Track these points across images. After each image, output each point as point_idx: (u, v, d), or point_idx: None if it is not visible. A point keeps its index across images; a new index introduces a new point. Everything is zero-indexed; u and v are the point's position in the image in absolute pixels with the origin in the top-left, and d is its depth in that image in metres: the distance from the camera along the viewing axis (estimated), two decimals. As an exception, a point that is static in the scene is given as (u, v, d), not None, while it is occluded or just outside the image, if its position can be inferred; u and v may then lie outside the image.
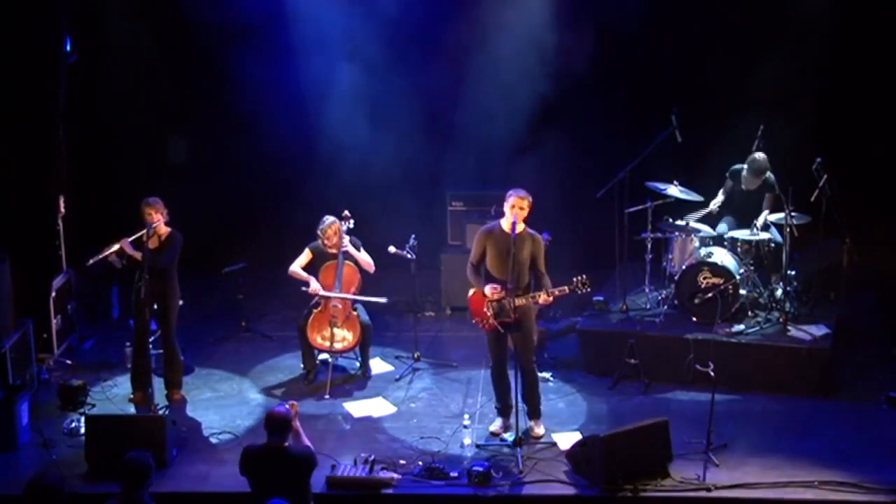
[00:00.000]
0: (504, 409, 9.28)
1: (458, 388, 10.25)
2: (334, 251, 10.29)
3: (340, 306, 10.24)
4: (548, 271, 9.05)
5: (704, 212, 10.82)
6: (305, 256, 10.35)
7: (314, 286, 10.21)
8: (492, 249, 8.98)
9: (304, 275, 10.28)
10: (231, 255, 11.82)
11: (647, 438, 8.58)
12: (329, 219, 10.27)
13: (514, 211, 8.89)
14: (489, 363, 9.39)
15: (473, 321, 9.24)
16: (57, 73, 10.49)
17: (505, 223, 8.95)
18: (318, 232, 10.25)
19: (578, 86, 12.07)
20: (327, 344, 10.25)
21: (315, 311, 10.29)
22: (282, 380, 10.49)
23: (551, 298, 8.88)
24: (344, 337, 10.28)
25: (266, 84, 12.37)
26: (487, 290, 8.91)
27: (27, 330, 10.16)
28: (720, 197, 10.89)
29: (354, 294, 10.30)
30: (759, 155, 10.55)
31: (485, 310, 8.99)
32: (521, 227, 8.95)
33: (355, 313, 10.32)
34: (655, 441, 8.60)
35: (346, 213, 10.35)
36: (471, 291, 9.17)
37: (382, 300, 10.40)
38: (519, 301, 8.87)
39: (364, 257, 10.33)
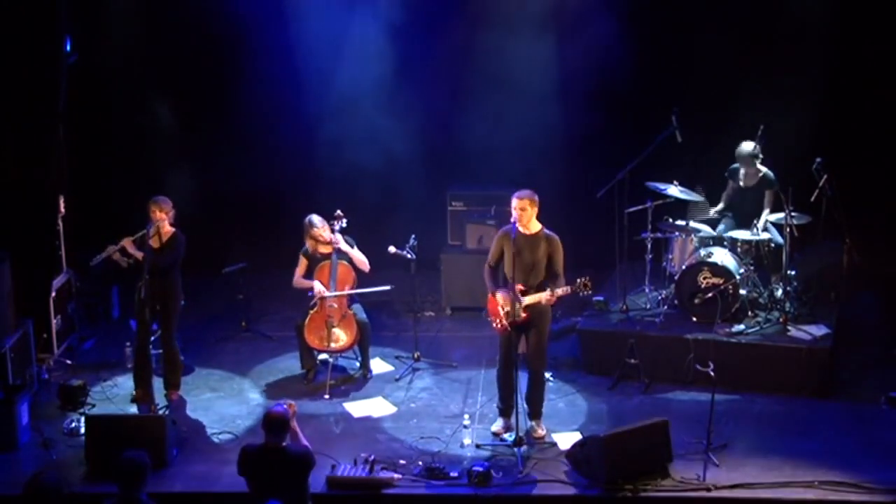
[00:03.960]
0: (506, 410, 9.28)
1: (458, 388, 10.25)
2: (325, 250, 10.29)
3: (336, 305, 10.24)
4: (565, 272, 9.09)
5: (707, 216, 10.83)
6: (302, 264, 10.38)
7: (318, 288, 10.21)
8: (507, 251, 9.07)
9: (307, 282, 10.30)
10: (231, 255, 11.82)
11: (647, 438, 8.59)
12: (314, 219, 10.25)
13: (515, 212, 8.97)
14: (494, 362, 9.41)
15: (488, 318, 9.27)
16: (57, 73, 10.48)
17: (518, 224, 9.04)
18: (305, 227, 10.24)
19: (579, 86, 12.07)
20: (325, 344, 10.25)
21: (311, 311, 10.29)
22: (282, 380, 10.49)
23: (554, 299, 8.92)
24: (340, 336, 10.28)
25: (266, 84, 12.37)
26: (500, 295, 8.99)
27: (27, 330, 10.16)
28: (722, 204, 10.90)
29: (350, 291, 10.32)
30: (743, 144, 10.53)
31: (499, 309, 9.04)
32: (536, 227, 9.04)
33: (351, 312, 10.32)
34: (655, 441, 8.61)
35: (339, 212, 10.33)
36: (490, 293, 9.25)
37: (386, 287, 10.40)
38: (526, 300, 8.90)
39: (358, 255, 10.33)
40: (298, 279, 10.38)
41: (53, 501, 6.70)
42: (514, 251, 8.96)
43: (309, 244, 10.35)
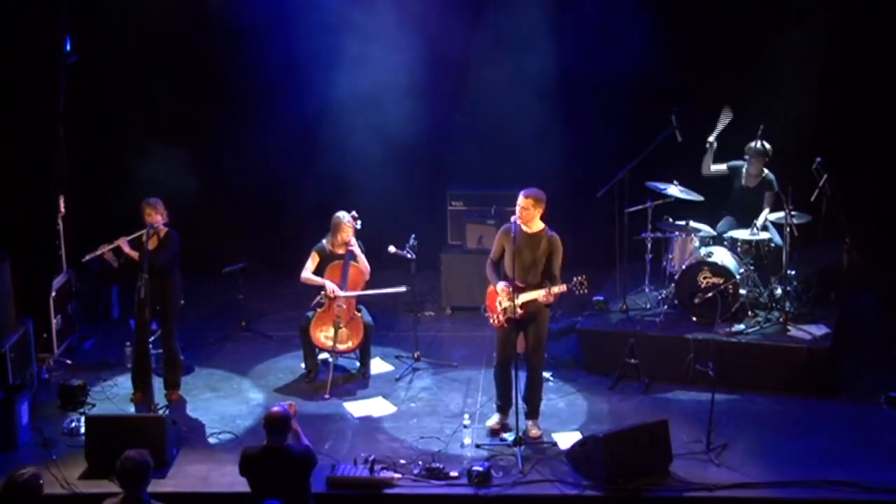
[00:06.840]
0: (504, 407, 9.30)
1: (458, 388, 10.25)
2: (341, 251, 10.29)
3: (345, 306, 10.24)
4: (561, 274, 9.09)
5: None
6: (313, 260, 10.35)
7: (330, 287, 10.19)
8: (507, 248, 9.09)
9: (318, 279, 10.27)
10: (231, 255, 11.82)
11: (647, 438, 8.59)
12: (345, 214, 10.27)
13: (518, 210, 9.00)
14: (493, 361, 9.43)
15: (486, 315, 9.30)
16: (57, 73, 10.48)
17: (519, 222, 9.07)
18: (336, 223, 10.21)
19: (579, 85, 12.07)
20: (330, 343, 10.25)
21: (319, 310, 10.29)
22: (282, 380, 10.49)
23: (552, 298, 8.93)
24: (347, 337, 10.27)
25: (266, 84, 12.37)
26: (500, 286, 9.01)
27: (27, 330, 10.16)
28: (722, 167, 10.84)
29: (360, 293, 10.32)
30: (756, 142, 10.54)
31: (497, 305, 9.06)
32: (538, 226, 9.06)
33: (359, 314, 10.33)
34: (655, 441, 8.61)
35: (354, 213, 10.36)
36: (490, 287, 9.26)
37: (402, 289, 10.41)
38: (522, 297, 8.91)
39: (363, 261, 10.33)
40: (308, 275, 10.33)
41: (30, 499, 6.67)
42: (515, 249, 8.97)
43: (334, 240, 10.28)
